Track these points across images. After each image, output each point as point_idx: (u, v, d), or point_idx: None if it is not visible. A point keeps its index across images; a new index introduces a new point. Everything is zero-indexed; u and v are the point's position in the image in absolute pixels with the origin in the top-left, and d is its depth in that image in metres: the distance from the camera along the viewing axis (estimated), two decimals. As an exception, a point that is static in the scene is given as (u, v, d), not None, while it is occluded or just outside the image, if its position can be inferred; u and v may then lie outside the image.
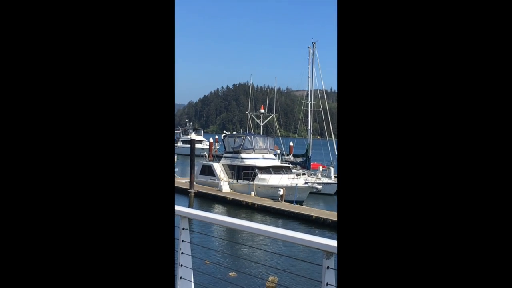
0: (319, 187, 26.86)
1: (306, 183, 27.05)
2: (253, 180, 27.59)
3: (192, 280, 3.45)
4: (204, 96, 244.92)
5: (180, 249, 3.46)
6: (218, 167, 29.81)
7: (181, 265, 3.45)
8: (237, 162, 29.05)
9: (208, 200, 26.80)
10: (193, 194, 27.29)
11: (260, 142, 30.53)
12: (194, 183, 27.92)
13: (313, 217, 22.10)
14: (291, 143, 44.15)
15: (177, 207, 3.69)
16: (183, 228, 3.48)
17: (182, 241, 3.46)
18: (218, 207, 25.43)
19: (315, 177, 29.80)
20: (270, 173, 27.71)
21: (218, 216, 3.39)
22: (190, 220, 3.54)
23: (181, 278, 3.44)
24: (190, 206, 24.03)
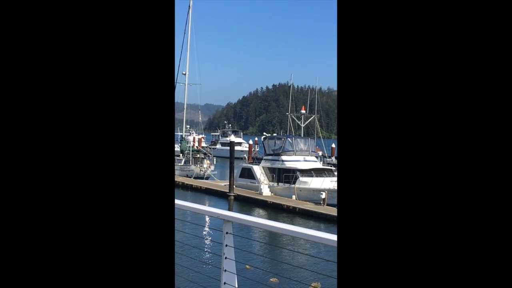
0: (363, 190, 26.45)
1: (349, 186, 26.70)
2: (294, 183, 27.50)
3: (237, 286, 3.47)
4: (243, 97, 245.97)
5: (224, 253, 3.48)
6: (258, 170, 29.85)
7: (225, 270, 3.47)
8: (277, 165, 29.02)
9: (248, 204, 26.88)
10: (232, 197, 27.43)
11: (301, 144, 30.42)
12: (234, 186, 28.06)
13: (357, 221, 21.82)
14: (333, 145, 43.79)
15: (220, 211, 3.73)
16: (227, 233, 3.50)
17: (226, 245, 3.48)
18: (258, 211, 25.47)
19: (358, 180, 29.33)
20: (312, 176, 27.55)
21: (263, 220, 3.40)
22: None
23: (225, 283, 3.46)
24: (229, 210, 24.16)
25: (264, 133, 37.71)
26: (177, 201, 4.25)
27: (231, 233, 3.51)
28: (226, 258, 3.47)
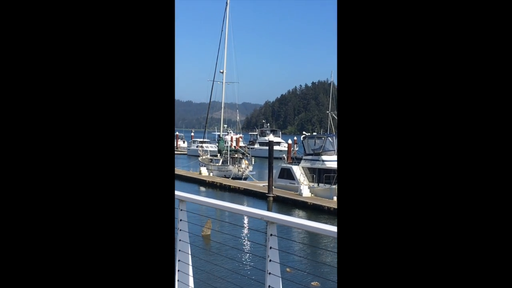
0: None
1: (392, 187, 26.34)
2: (335, 184, 27.29)
3: (281, 290, 3.47)
4: (282, 95, 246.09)
5: (268, 256, 3.48)
6: (297, 170, 29.77)
7: (269, 273, 3.47)
8: (318, 165, 28.88)
9: (287, 205, 26.86)
10: (271, 198, 27.46)
11: (342, 143, 30.12)
12: (273, 187, 28.07)
13: (401, 224, 21.50)
14: (376, 144, 43.09)
15: (264, 212, 3.74)
16: (271, 235, 3.50)
17: (270, 248, 3.48)
18: (298, 213, 25.42)
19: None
20: (354, 177, 27.25)
21: (308, 222, 3.39)
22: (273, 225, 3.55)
23: (269, 286, 3.47)
24: (268, 211, 24.14)
25: (304, 132, 37.49)
26: (219, 202, 4.28)
27: (275, 235, 3.51)
28: (270, 260, 3.47)
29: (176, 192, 4.66)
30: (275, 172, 29.97)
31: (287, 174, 30.29)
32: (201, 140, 56.89)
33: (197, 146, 57.37)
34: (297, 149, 45.40)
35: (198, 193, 30.01)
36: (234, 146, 45.21)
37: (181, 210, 4.51)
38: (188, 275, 4.44)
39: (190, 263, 4.45)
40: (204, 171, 38.32)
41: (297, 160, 31.59)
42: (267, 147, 33.86)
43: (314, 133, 51.33)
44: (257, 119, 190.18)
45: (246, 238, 17.21)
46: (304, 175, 29.63)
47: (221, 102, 44.83)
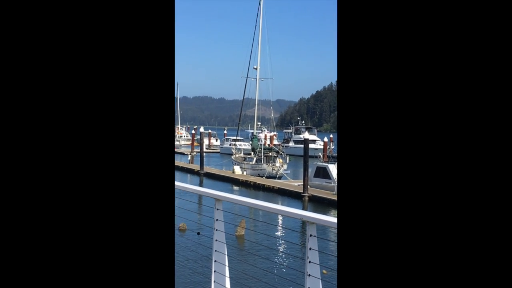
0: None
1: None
2: (373, 183, 27.02)
3: (322, 292, 3.45)
4: (317, 91, 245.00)
5: (308, 257, 3.47)
6: (334, 169, 29.53)
7: (309, 275, 3.46)
8: (354, 164, 28.61)
9: (323, 205, 26.71)
10: (307, 198, 27.37)
11: (380, 141, 29.81)
12: (308, 186, 27.98)
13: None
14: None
15: (304, 212, 3.73)
16: (311, 235, 3.48)
17: (310, 249, 3.47)
18: (335, 213, 25.25)
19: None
20: (392, 176, 26.92)
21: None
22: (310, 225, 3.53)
23: (309, 289, 3.46)
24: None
25: (340, 130, 37.12)
26: (257, 202, 4.29)
27: (315, 236, 3.49)
28: (310, 262, 3.46)
29: (213, 191, 4.69)
30: (311, 171, 29.84)
31: (323, 173, 30.08)
32: (234, 138, 57.11)
33: (230, 144, 57.63)
34: (333, 147, 45.10)
35: (231, 192, 30.13)
36: (268, 144, 45.22)
37: (217, 209, 4.52)
38: (225, 276, 4.45)
39: (227, 263, 4.46)
40: (237, 169, 38.45)
41: (333, 159, 31.33)
42: (302, 145, 33.76)
43: (351, 131, 50.83)
44: (292, 116, 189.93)
45: (281, 238, 17.21)
46: (341, 174, 29.35)
47: (255, 99, 44.89)
